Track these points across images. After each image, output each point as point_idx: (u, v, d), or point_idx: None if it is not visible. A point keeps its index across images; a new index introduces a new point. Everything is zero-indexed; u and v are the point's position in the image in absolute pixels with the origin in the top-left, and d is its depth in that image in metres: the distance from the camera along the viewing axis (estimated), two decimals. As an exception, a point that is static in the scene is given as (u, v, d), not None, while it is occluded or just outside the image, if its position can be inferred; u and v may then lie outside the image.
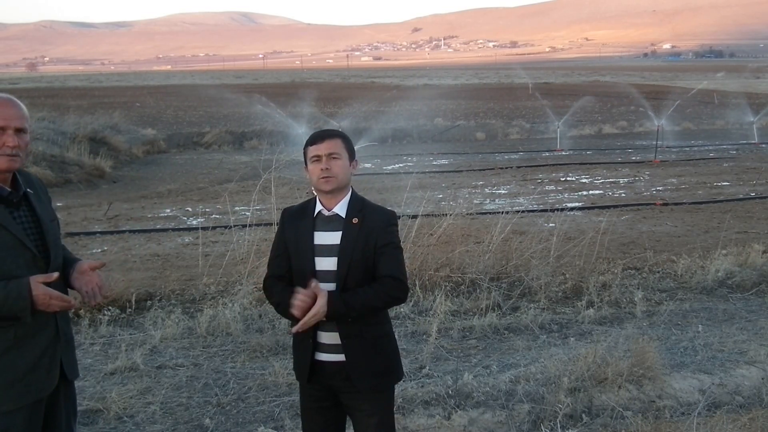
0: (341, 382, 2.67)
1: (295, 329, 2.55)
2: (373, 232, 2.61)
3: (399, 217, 7.72)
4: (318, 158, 2.63)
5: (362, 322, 2.62)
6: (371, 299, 2.57)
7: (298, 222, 2.69)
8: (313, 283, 2.53)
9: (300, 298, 2.51)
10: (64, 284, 2.48)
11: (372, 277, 2.63)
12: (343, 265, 2.59)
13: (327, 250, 2.61)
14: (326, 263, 2.61)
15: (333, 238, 2.62)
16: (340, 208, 2.65)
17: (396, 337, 2.89)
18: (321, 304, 2.49)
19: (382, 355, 2.71)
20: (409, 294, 6.03)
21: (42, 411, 2.40)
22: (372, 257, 2.61)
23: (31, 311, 2.24)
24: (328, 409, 2.75)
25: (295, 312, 2.52)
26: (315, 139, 2.69)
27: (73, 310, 5.52)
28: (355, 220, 2.62)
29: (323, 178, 2.61)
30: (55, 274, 2.29)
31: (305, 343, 2.67)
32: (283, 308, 2.62)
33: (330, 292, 2.54)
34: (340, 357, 2.64)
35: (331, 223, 2.64)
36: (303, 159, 2.73)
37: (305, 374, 2.68)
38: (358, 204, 2.68)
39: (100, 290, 2.49)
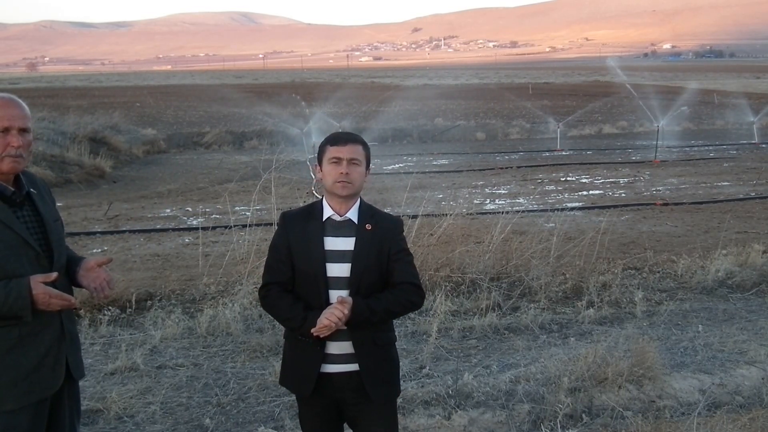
0: (350, 393, 2.60)
1: (315, 331, 2.46)
2: (386, 239, 2.60)
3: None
4: (338, 161, 2.55)
5: (374, 329, 2.59)
6: (392, 305, 2.57)
7: (304, 225, 2.61)
8: (340, 298, 2.49)
9: (334, 316, 2.43)
10: (68, 283, 2.48)
11: (384, 283, 2.61)
12: (357, 271, 2.54)
13: (339, 256, 2.55)
14: (338, 269, 2.55)
15: (345, 243, 2.56)
16: (353, 214, 2.60)
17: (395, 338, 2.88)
18: (345, 309, 2.45)
19: (392, 363, 2.70)
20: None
21: (46, 410, 2.40)
22: (385, 263, 2.59)
23: (32, 311, 2.25)
24: (330, 421, 2.70)
25: (324, 332, 2.46)
26: (338, 140, 2.61)
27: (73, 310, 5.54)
28: (368, 226, 2.59)
29: (341, 182, 2.54)
30: (54, 274, 2.29)
31: (312, 355, 2.57)
32: (295, 324, 2.54)
33: (354, 298, 2.50)
34: (351, 367, 2.58)
35: (343, 228, 2.59)
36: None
37: (310, 387, 2.58)
38: (368, 210, 2.65)
39: (108, 285, 2.50)
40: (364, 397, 2.60)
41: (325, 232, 2.58)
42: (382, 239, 2.59)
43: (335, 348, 2.57)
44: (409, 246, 2.78)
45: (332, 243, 2.57)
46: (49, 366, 2.36)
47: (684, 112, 26.51)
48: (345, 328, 2.51)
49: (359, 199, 2.66)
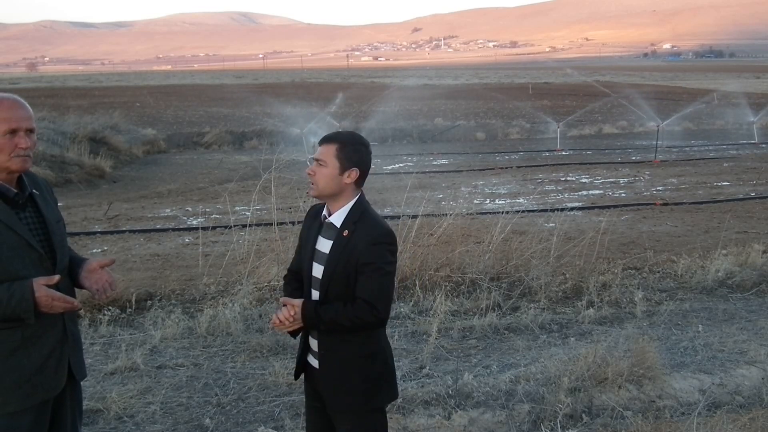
0: (323, 391, 2.66)
1: (271, 323, 2.61)
2: (357, 248, 2.49)
3: (399, 218, 7.68)
4: (313, 162, 2.62)
5: (343, 338, 2.55)
6: (340, 317, 2.48)
7: (312, 223, 2.69)
8: (282, 299, 2.60)
9: (282, 315, 2.54)
10: (70, 285, 2.48)
11: (353, 293, 2.53)
12: (327, 275, 2.54)
13: (320, 257, 2.58)
14: (317, 270, 2.58)
15: (326, 246, 2.57)
16: (337, 217, 2.58)
17: (392, 347, 2.81)
18: (293, 311, 2.51)
19: (361, 377, 2.58)
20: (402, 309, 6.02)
21: (49, 412, 2.40)
22: (354, 273, 2.50)
23: (35, 313, 2.25)
24: (322, 410, 2.72)
25: (279, 329, 2.58)
26: (319, 141, 2.65)
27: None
28: (345, 232, 2.53)
29: (310, 182, 2.59)
30: (57, 277, 2.29)
31: (301, 343, 2.71)
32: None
33: (305, 300, 2.54)
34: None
35: (330, 230, 2.59)
36: (307, 158, 2.73)
37: (297, 373, 2.74)
38: (355, 215, 2.56)
39: (111, 286, 2.51)
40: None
41: (321, 232, 2.63)
42: (354, 248, 2.50)
43: (313, 344, 2.65)
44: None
45: (321, 243, 2.61)
46: (52, 368, 2.37)
47: (694, 111, 26.63)
48: (304, 327, 2.59)
49: (353, 202, 2.59)
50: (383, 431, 2.69)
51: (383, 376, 2.63)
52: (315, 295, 2.58)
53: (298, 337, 2.74)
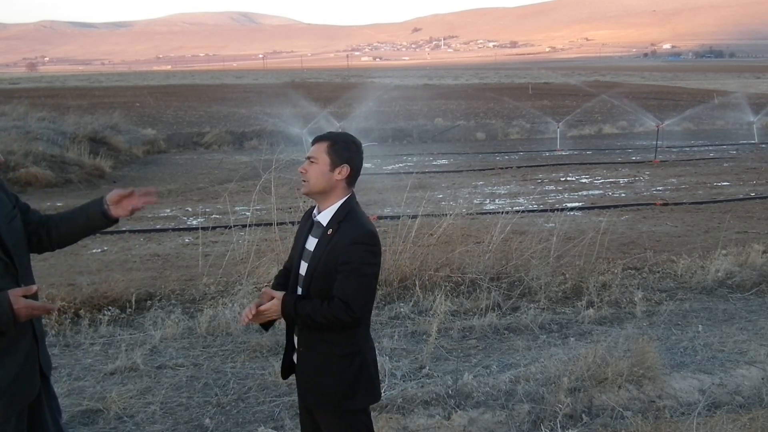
0: (299, 386, 2.71)
1: (242, 317, 2.61)
2: (337, 247, 2.51)
3: (399, 218, 7.67)
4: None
5: (322, 337, 2.56)
6: (315, 313, 2.49)
7: (305, 222, 2.73)
8: (264, 289, 2.63)
9: (264, 306, 2.58)
10: (33, 281, 2.42)
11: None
12: (309, 273, 2.57)
13: (308, 256, 2.61)
14: (304, 268, 2.61)
15: (314, 244, 2.61)
16: (324, 216, 2.61)
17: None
18: (274, 302, 2.54)
19: (336, 377, 2.58)
20: (404, 299, 6.02)
21: (26, 414, 2.38)
22: (334, 272, 2.51)
23: (14, 324, 2.19)
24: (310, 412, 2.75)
25: (244, 314, 2.60)
26: (312, 140, 2.70)
27: (73, 311, 5.55)
28: (329, 231, 2.56)
29: (302, 180, 2.61)
30: (35, 287, 2.24)
31: (287, 342, 2.74)
32: None
33: (286, 293, 2.58)
34: None
35: (318, 229, 2.62)
36: (303, 159, 2.74)
37: (282, 371, 2.80)
38: (341, 214, 2.57)
39: (149, 195, 2.55)
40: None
41: (311, 231, 2.66)
42: (335, 247, 2.51)
43: (296, 340, 2.69)
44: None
45: (309, 242, 2.64)
46: (28, 374, 2.34)
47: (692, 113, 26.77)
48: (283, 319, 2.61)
49: (341, 202, 2.60)
50: (366, 431, 2.69)
51: (360, 378, 2.61)
52: (299, 292, 2.63)
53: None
